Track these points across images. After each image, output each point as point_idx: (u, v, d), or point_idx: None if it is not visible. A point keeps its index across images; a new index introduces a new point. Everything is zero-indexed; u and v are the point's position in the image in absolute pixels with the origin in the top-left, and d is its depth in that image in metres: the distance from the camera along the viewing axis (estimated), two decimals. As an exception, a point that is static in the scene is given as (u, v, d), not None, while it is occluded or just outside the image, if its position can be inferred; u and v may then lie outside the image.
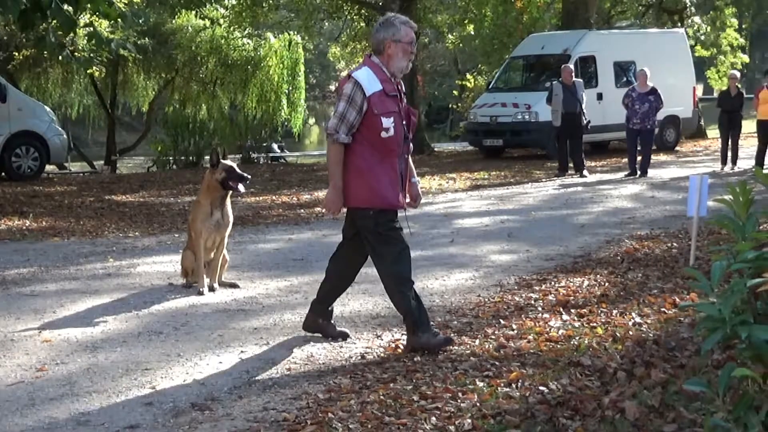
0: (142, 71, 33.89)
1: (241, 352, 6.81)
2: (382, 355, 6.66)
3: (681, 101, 26.12)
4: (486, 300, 8.34)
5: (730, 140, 20.34)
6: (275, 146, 32.45)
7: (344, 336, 7.12)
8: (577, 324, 7.25)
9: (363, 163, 6.53)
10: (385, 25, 6.59)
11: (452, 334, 7.02)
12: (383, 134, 6.47)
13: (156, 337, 7.27)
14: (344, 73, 7.17)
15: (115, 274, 9.93)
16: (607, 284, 8.82)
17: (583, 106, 19.62)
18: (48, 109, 22.88)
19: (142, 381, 6.13)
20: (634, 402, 5.10)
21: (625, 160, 20.58)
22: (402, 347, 6.77)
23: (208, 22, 32.70)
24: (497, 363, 6.21)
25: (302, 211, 15.12)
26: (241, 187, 8.94)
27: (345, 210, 6.83)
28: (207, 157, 25.47)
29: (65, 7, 13.48)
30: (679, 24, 35.99)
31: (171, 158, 26.32)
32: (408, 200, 6.92)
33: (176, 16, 32.43)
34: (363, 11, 33.00)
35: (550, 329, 7.11)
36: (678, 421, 4.80)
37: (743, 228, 4.17)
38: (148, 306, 8.33)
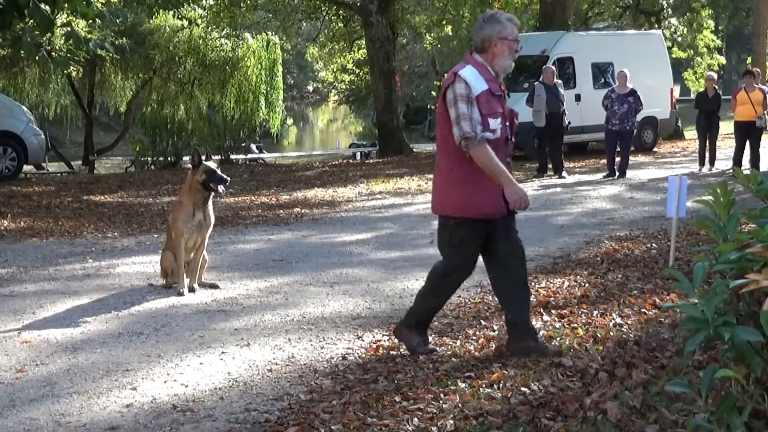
0: (120, 71, 33.80)
1: (222, 353, 6.80)
2: (363, 356, 6.65)
3: (658, 102, 26.20)
4: (466, 301, 8.34)
5: (708, 141, 20.42)
6: (254, 147, 32.42)
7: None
8: (557, 325, 7.27)
9: (463, 170, 6.13)
10: (491, 21, 6.24)
11: (433, 335, 7.02)
12: (489, 136, 6.08)
13: (136, 338, 7.25)
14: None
15: (95, 274, 9.90)
16: (587, 285, 8.84)
17: (565, 106, 19.69)
18: (25, 109, 22.77)
19: (122, 382, 6.11)
20: (616, 403, 5.11)
21: (604, 161, 20.65)
22: (383, 347, 6.79)
23: (185, 23, 32.62)
24: (479, 364, 6.22)
25: (281, 211, 15.10)
26: (220, 189, 8.94)
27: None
28: (185, 158, 25.62)
29: (43, 6, 13.41)
30: (656, 25, 36.12)
31: (149, 158, 26.25)
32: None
33: (154, 16, 32.28)
34: (341, 12, 32.99)
35: (530, 330, 7.12)
36: (660, 421, 4.81)
37: (724, 229, 4.19)
38: (128, 307, 8.30)
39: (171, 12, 31.46)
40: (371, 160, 29.28)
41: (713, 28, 40.33)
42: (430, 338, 6.92)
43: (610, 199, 15.93)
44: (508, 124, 6.31)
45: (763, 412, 3.69)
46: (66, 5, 14.42)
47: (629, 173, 19.50)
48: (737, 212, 4.25)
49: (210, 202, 9.07)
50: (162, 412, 5.51)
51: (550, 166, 19.97)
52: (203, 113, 33.56)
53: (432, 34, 39.64)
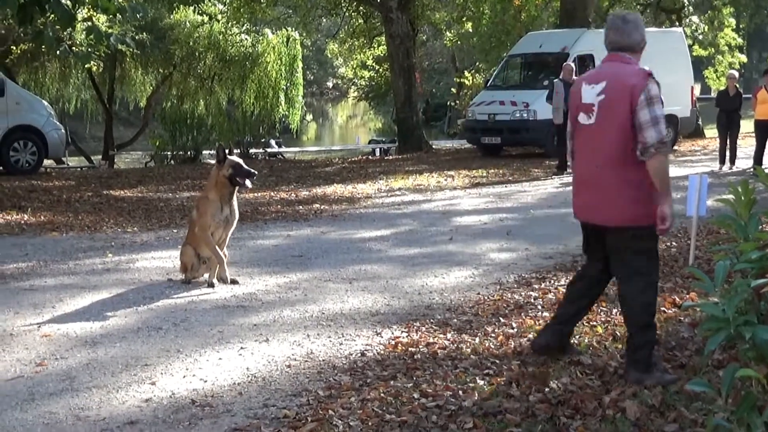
0: (140, 66, 33.95)
1: (241, 348, 6.80)
2: (381, 352, 6.64)
3: (679, 101, 26.07)
4: (486, 298, 8.34)
5: (728, 140, 20.34)
6: (273, 142, 32.44)
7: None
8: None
9: (641, 174, 5.77)
10: (638, 24, 5.87)
11: (452, 332, 7.02)
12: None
13: (155, 332, 7.26)
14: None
15: (114, 269, 9.92)
16: (606, 283, 8.80)
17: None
18: (46, 103, 22.87)
19: (141, 376, 6.12)
20: (635, 401, 5.11)
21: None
22: (401, 344, 6.78)
23: (206, 18, 32.67)
24: (497, 361, 6.22)
25: (301, 207, 15.10)
26: (248, 183, 8.97)
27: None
28: (205, 152, 25.69)
29: (64, 1, 13.45)
30: (677, 23, 35.98)
31: (169, 153, 26.32)
32: None
33: (174, 12, 32.43)
34: (361, 8, 33.00)
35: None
36: (679, 420, 4.80)
37: (745, 228, 4.17)
38: (147, 301, 8.31)
39: (191, 7, 31.57)
40: (390, 157, 29.28)
41: (734, 26, 40.20)
42: (450, 335, 6.93)
43: (630, 197, 15.83)
44: None
45: (784, 412, 3.68)
46: (87, 0, 14.46)
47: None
48: (758, 211, 4.24)
49: (235, 198, 9.11)
50: (181, 407, 5.52)
51: (569, 163, 19.89)
52: (223, 108, 33.67)
53: (452, 31, 39.69)
